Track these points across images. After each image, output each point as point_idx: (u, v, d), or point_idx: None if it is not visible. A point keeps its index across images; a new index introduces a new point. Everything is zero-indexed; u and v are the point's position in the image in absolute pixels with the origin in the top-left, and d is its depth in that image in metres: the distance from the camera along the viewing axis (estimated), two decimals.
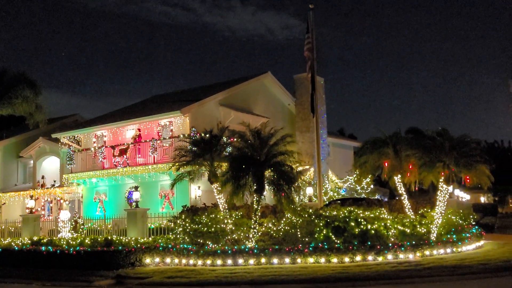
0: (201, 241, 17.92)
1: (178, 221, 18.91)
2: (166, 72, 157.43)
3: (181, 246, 17.50)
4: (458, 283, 12.91)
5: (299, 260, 16.14)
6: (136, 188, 23.72)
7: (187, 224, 18.47)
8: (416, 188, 21.05)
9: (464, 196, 36.00)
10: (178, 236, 18.60)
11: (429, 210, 20.32)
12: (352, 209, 18.13)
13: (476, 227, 21.58)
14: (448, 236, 18.52)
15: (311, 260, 16.10)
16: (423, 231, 18.51)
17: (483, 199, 63.89)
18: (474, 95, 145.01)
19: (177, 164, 19.62)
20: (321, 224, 17.43)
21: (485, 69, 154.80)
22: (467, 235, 19.07)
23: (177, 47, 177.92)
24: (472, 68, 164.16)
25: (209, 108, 27.44)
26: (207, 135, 19.81)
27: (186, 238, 18.28)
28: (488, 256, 16.11)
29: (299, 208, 18.37)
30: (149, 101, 35.47)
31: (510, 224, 35.29)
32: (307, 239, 17.33)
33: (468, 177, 17.97)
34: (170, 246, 17.58)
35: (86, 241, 19.28)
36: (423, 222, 19.06)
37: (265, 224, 18.17)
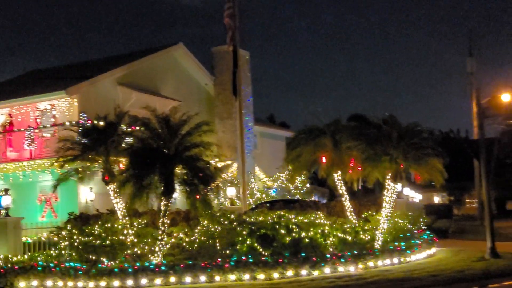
0: (94, 257, 17.66)
1: (63, 233, 18.55)
2: (49, 43, 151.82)
3: (67, 264, 17.14)
4: None
5: (217, 278, 16.27)
6: (6, 191, 22.88)
7: (74, 237, 18.13)
8: (360, 187, 21.84)
9: (415, 195, 37.81)
10: (63, 252, 18.28)
11: (374, 213, 21.15)
12: (282, 213, 18.48)
13: (428, 232, 22.76)
14: (396, 243, 19.37)
15: (232, 277, 16.27)
16: (366, 239, 19.23)
17: (437, 199, 67.34)
18: (430, 78, 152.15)
19: (61, 159, 19.27)
20: (244, 232, 17.65)
21: (443, 47, 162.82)
22: (417, 242, 20.06)
23: (64, 11, 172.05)
24: (428, 44, 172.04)
25: (104, 88, 27.22)
26: (101, 122, 19.55)
27: (73, 254, 17.98)
28: (440, 266, 17.08)
29: (218, 214, 18.47)
30: (24, 78, 34.58)
31: (466, 228, 37.57)
32: (227, 252, 17.49)
33: (417, 173, 18.86)
34: (52, 265, 17.19)
35: None
36: (366, 228, 19.80)
37: (175, 234, 18.15)
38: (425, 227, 24.18)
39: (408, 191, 32.78)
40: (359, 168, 19.49)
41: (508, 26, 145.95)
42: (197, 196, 17.39)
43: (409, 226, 21.86)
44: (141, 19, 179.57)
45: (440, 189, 58.26)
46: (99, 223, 18.41)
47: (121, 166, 19.00)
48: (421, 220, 24.65)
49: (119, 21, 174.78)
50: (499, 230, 29.98)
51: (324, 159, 20.00)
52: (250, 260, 16.66)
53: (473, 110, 38.05)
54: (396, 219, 21.40)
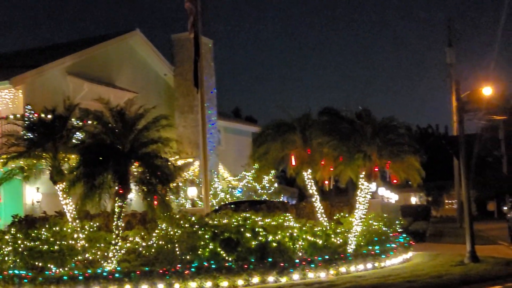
0: (40, 264, 17.54)
1: (7, 237, 18.38)
2: None
3: (11, 272, 17.02)
4: None
5: (177, 285, 16.25)
6: None
7: (19, 241, 17.97)
8: (332, 187, 22.05)
9: (390, 196, 38.30)
10: (6, 258, 18.10)
11: (347, 215, 21.38)
12: (248, 215, 18.53)
13: (404, 235, 23.12)
14: (369, 247, 19.62)
15: (193, 284, 16.28)
16: (338, 242, 19.42)
17: (414, 200, 68.41)
18: (407, 70, 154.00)
19: (4, 156, 19.18)
20: (206, 236, 17.66)
21: (421, 37, 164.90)
22: (393, 245, 20.38)
23: None
24: (405, 34, 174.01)
25: (52, 77, 27.10)
26: (49, 116, 19.40)
27: (18, 260, 17.82)
28: (416, 271, 17.37)
29: (177, 216, 18.48)
30: None
31: (445, 230, 38.33)
32: (188, 257, 17.49)
33: (393, 171, 19.12)
34: None
35: None
36: (338, 231, 19.98)
37: (131, 239, 18.09)
38: (401, 230, 24.55)
39: (383, 191, 33.19)
40: (331, 167, 19.66)
41: (488, 14, 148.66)
42: (155, 197, 17.40)
43: (384, 228, 22.12)
44: (94, 3, 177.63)
45: (417, 189, 59.26)
46: (47, 226, 18.30)
47: (71, 163, 18.87)
48: (397, 222, 25.01)
49: (69, 5, 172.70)
50: (479, 232, 30.65)
51: (293, 157, 20.13)
52: (213, 266, 16.69)
53: (452, 105, 38.63)
54: (370, 221, 21.65)
